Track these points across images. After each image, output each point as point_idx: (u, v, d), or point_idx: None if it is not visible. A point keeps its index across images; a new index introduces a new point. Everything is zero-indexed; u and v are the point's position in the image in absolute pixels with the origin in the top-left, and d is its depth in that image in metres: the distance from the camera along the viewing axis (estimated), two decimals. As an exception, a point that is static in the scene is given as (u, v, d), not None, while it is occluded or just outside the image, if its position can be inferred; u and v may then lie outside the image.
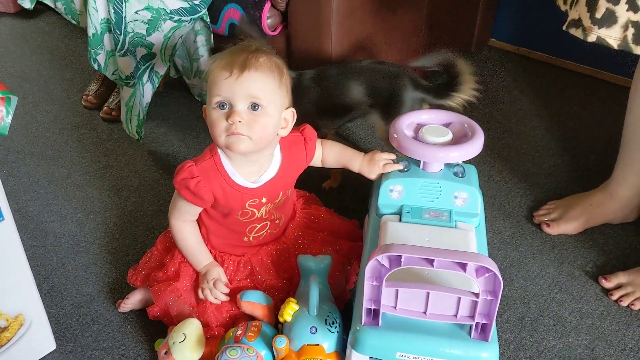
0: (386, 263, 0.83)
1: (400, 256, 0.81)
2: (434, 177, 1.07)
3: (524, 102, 1.79)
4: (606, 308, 1.15)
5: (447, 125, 1.12)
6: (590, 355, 1.06)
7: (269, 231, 1.11)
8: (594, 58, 1.88)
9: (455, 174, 1.08)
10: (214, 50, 1.63)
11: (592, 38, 0.98)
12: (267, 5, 1.48)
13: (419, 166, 1.09)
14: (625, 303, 1.15)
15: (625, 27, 0.96)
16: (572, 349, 1.07)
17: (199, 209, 1.06)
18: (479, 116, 1.71)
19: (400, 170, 1.10)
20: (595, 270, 1.23)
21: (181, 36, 1.48)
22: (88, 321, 1.13)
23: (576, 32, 1.01)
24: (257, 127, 0.97)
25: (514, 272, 1.23)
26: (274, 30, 1.53)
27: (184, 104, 1.76)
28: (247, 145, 0.97)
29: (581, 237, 1.30)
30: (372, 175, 1.13)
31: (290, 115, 1.04)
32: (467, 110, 1.72)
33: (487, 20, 1.98)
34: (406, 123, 1.11)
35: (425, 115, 1.14)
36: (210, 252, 1.11)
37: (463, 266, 0.80)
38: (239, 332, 1.01)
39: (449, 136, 1.07)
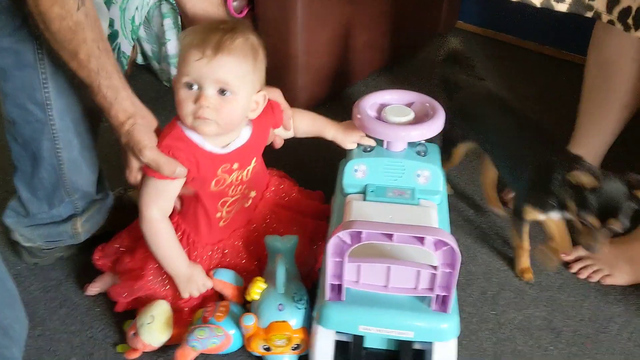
0: (347, 239, 0.85)
1: (361, 232, 0.83)
2: (397, 157, 1.09)
3: (489, 83, 1.81)
4: (565, 281, 1.19)
5: (409, 105, 1.14)
6: (549, 326, 1.10)
7: (242, 202, 1.10)
8: (558, 39, 1.92)
9: (418, 153, 1.10)
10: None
11: None
12: (233, -13, 1.49)
13: (383, 146, 1.11)
14: (583, 275, 1.19)
15: None
16: (532, 320, 1.11)
17: (176, 188, 1.01)
18: (445, 97, 1.73)
19: (364, 150, 1.12)
20: (555, 245, 1.26)
21: (136, 8, 1.47)
22: (56, 305, 1.13)
23: None
24: (224, 113, 0.95)
25: (477, 248, 1.26)
26: (240, 13, 1.53)
27: (151, 89, 1.75)
28: (213, 129, 0.96)
29: (542, 214, 1.34)
30: (347, 143, 1.14)
31: (262, 98, 1.02)
32: (434, 90, 1.76)
33: (453, 2, 2.00)
34: (369, 103, 1.13)
35: (387, 96, 1.15)
36: (183, 244, 1.07)
37: (421, 240, 0.83)
38: (207, 312, 1.02)
39: (411, 116, 1.09)
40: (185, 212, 1.07)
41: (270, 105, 1.08)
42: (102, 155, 1.49)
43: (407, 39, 1.87)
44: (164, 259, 1.03)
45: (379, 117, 1.11)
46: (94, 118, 1.09)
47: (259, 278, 1.03)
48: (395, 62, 1.88)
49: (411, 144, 1.11)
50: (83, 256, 1.22)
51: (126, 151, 0.98)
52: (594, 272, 1.19)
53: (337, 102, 1.71)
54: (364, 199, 1.06)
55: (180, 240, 1.05)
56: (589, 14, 1.00)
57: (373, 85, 1.79)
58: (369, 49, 1.72)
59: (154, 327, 1.01)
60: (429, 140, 1.12)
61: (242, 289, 1.06)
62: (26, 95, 0.99)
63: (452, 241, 0.82)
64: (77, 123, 1.05)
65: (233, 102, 0.96)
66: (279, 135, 1.15)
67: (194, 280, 1.04)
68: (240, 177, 1.06)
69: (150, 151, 0.95)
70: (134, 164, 0.99)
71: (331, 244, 0.86)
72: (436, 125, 1.07)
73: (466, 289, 1.16)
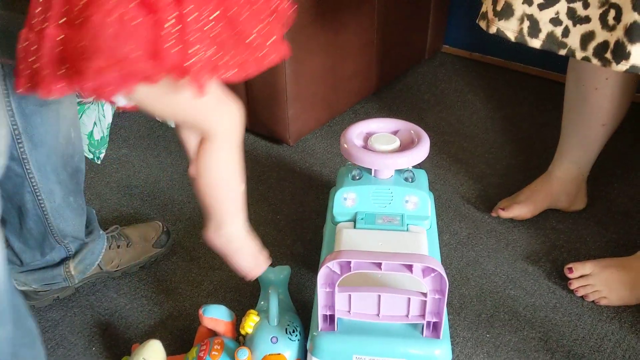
0: (337, 269, 0.86)
1: (350, 261, 0.84)
2: (385, 184, 1.11)
3: (477, 105, 1.84)
4: (558, 301, 1.19)
5: (394, 132, 1.15)
6: (545, 347, 1.10)
7: None
8: (544, 60, 1.95)
9: (406, 179, 1.11)
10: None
11: (493, 30, 1.04)
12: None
13: (371, 174, 1.13)
14: (580, 293, 1.19)
15: (521, 20, 1.01)
16: (527, 341, 1.11)
17: None
18: (434, 121, 1.76)
19: (353, 178, 1.13)
20: (547, 265, 1.27)
21: (94, 124, 1.50)
22: (53, 345, 1.14)
23: (482, 24, 1.06)
24: None
25: (470, 271, 1.26)
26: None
27: (145, 125, 1.77)
28: None
29: (534, 234, 1.35)
30: None
31: None
32: (422, 115, 1.78)
33: (438, 27, 2.03)
34: (356, 133, 1.15)
35: (373, 124, 1.17)
36: None
37: (409, 267, 0.84)
38: (202, 351, 1.02)
39: (396, 143, 1.11)
40: None
41: None
42: (98, 194, 1.51)
43: (393, 66, 1.90)
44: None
45: (366, 146, 1.13)
46: (78, 162, 1.10)
47: (252, 311, 1.04)
48: (383, 88, 1.90)
49: (399, 171, 1.13)
50: (78, 296, 1.23)
51: None
52: (592, 292, 1.18)
53: (326, 130, 1.74)
54: (354, 227, 1.07)
55: None
56: (563, 52, 1.01)
57: (362, 112, 1.81)
58: (356, 77, 1.75)
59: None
60: (416, 166, 1.14)
61: (235, 322, 1.07)
62: None
63: (439, 267, 0.83)
64: (58, 172, 1.06)
65: None
66: None
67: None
68: None
69: None
70: None
71: (321, 274, 0.87)
72: (422, 151, 1.09)
73: (460, 313, 1.17)
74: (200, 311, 1.05)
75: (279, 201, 1.45)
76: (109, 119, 1.57)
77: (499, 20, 1.02)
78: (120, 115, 1.78)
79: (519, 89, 1.92)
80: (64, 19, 0.63)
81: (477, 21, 1.08)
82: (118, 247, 1.26)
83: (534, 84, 1.94)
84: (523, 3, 1.00)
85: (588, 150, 1.33)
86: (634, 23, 0.91)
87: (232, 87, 1.70)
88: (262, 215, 1.42)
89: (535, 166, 1.57)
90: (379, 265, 0.84)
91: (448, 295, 0.95)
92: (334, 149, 1.66)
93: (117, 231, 1.28)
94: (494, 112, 1.81)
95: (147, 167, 1.60)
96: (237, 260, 0.91)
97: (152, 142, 1.70)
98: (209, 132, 0.80)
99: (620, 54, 0.93)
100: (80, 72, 0.63)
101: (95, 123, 1.53)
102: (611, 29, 0.94)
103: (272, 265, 1.11)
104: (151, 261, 1.28)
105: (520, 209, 1.37)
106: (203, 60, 0.66)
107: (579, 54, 0.99)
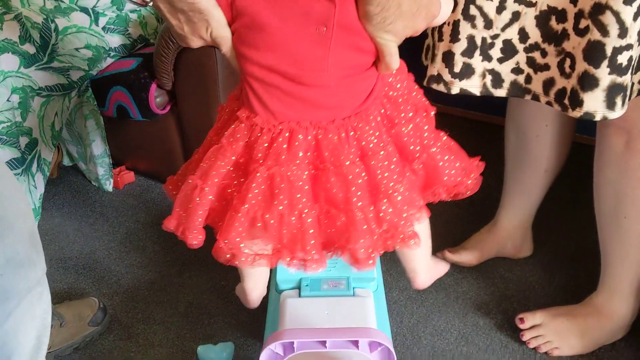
0: (280, 351, 0.82)
1: (293, 342, 0.80)
2: (329, 247, 1.07)
3: (420, 153, 1.84)
4: (511, 355, 1.17)
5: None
6: (501, 406, 1.08)
7: None
8: (483, 104, 1.97)
9: (350, 241, 1.08)
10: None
11: (455, 90, 1.04)
12: (154, 85, 1.48)
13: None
14: (532, 345, 1.18)
15: (483, 75, 1.02)
16: (483, 401, 1.09)
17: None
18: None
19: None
20: (498, 317, 1.25)
21: (56, 114, 1.44)
22: None
23: (439, 87, 1.06)
24: None
25: (422, 329, 1.23)
26: (163, 109, 1.52)
27: (79, 191, 1.70)
28: None
29: (483, 285, 1.33)
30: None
31: None
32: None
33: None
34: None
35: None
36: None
37: (355, 343, 0.80)
38: None
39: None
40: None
41: None
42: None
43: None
44: None
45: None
46: None
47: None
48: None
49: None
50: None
51: None
52: (544, 343, 1.17)
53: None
54: (299, 295, 1.03)
55: None
56: (528, 97, 1.02)
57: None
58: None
59: None
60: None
61: None
62: None
63: (386, 341, 0.80)
64: None
65: None
66: None
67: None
68: None
69: None
70: None
71: (264, 357, 0.82)
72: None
73: (414, 375, 1.14)
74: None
75: (222, 265, 1.39)
76: (40, 189, 1.50)
77: (460, 80, 1.03)
78: (53, 181, 1.71)
79: (460, 134, 1.91)
80: None
81: (426, 84, 1.08)
82: (51, 326, 1.18)
83: (475, 128, 1.96)
84: (482, 61, 1.01)
85: (532, 197, 1.34)
86: (585, 72, 0.93)
87: (170, 146, 1.65)
88: (204, 282, 1.36)
89: (479, 213, 1.57)
90: (323, 343, 0.80)
91: (399, 358, 0.91)
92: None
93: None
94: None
95: (83, 237, 1.53)
96: None
97: (87, 208, 1.63)
98: None
99: (575, 101, 0.95)
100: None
101: (56, 114, 1.44)
102: (568, 76, 0.96)
103: (214, 342, 1.05)
104: (86, 341, 1.21)
105: (466, 255, 1.35)
106: None
107: (543, 99, 1.00)
